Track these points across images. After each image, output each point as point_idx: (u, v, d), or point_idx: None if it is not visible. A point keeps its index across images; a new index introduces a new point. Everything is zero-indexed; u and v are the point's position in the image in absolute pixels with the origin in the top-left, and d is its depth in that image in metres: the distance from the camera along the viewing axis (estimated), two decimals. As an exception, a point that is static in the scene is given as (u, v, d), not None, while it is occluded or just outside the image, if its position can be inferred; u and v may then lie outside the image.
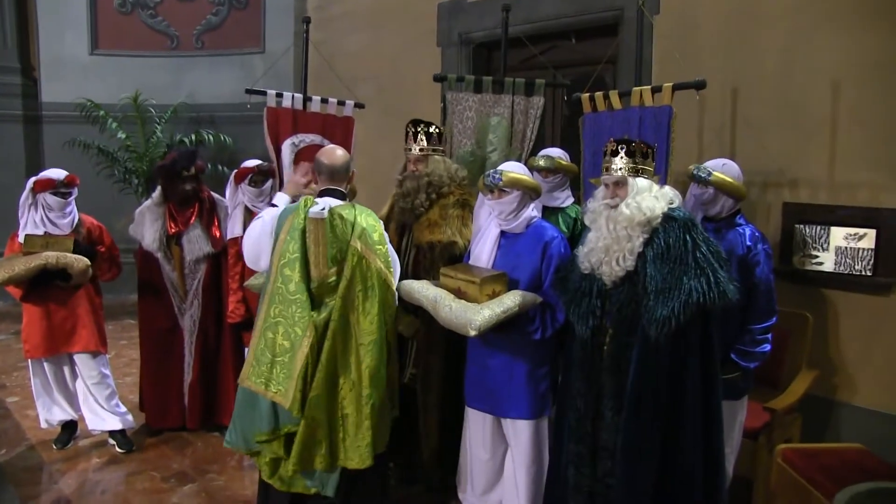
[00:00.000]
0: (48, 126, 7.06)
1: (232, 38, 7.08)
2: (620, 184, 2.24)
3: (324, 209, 2.42)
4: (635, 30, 3.34)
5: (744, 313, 2.60)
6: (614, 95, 3.25)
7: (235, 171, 3.63)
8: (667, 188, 2.27)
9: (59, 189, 3.38)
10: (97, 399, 3.52)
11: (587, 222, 2.34)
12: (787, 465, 2.59)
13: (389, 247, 2.55)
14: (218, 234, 3.65)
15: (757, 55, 3.48)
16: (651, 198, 2.19)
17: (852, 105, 3.18)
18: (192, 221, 3.60)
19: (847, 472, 2.44)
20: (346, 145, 3.68)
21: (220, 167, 6.56)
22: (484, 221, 2.72)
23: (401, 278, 2.63)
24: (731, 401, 2.61)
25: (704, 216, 2.76)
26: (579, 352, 2.32)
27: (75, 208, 3.49)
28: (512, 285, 2.52)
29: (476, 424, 2.72)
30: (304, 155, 3.77)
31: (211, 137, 6.76)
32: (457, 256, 2.85)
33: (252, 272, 3.15)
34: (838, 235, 3.21)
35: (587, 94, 3.36)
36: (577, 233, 3.13)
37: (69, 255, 3.30)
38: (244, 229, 3.12)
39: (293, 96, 3.83)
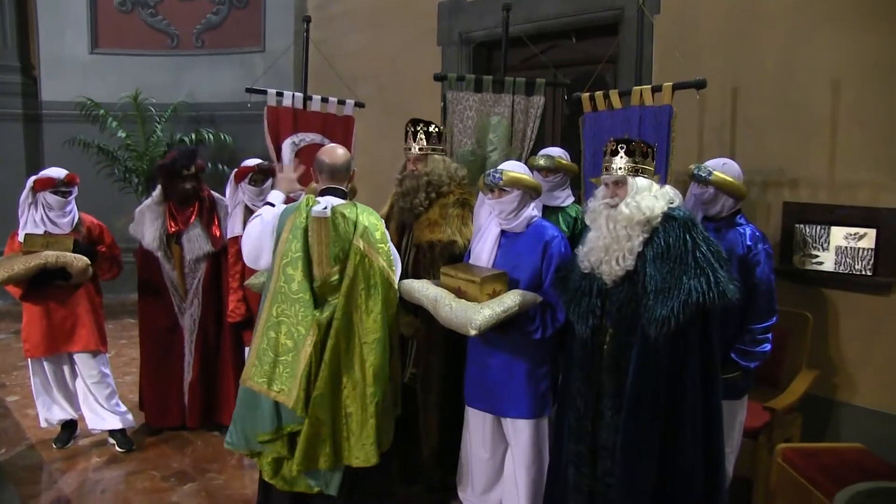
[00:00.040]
0: (48, 125, 7.06)
1: (232, 37, 7.08)
2: (620, 183, 2.24)
3: (326, 208, 2.42)
4: (636, 29, 3.34)
5: (744, 313, 2.60)
6: (614, 95, 3.25)
7: (235, 170, 3.63)
8: (667, 187, 2.27)
9: (60, 188, 3.37)
10: (97, 398, 3.52)
11: (587, 221, 2.34)
12: (787, 465, 2.60)
13: (391, 245, 2.55)
14: (218, 234, 3.65)
15: (757, 55, 3.48)
16: (651, 197, 2.19)
17: (852, 105, 3.18)
18: (192, 220, 3.60)
19: (847, 472, 2.44)
20: (347, 144, 3.68)
21: (220, 166, 6.56)
22: (484, 221, 2.72)
23: (401, 277, 2.63)
24: (732, 400, 2.61)
25: (705, 216, 2.75)
26: (579, 351, 2.32)
27: (75, 207, 3.49)
28: (512, 285, 2.52)
29: (476, 424, 2.72)
30: (305, 154, 3.77)
31: (211, 136, 6.76)
32: (457, 256, 2.84)
33: (252, 271, 3.15)
34: (838, 235, 3.21)
35: (587, 94, 3.36)
36: (577, 232, 3.13)
37: (68, 254, 3.29)
38: (244, 228, 3.12)
39: (293, 95, 3.83)
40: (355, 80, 4.77)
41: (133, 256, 3.72)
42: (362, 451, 2.41)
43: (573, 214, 3.28)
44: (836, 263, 3.22)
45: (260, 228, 2.56)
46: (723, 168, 2.71)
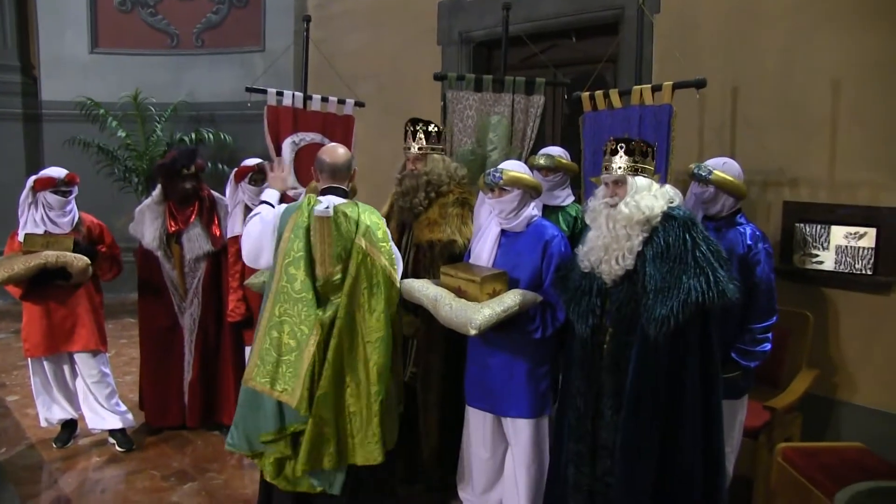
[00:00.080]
0: (48, 124, 7.06)
1: (232, 37, 7.08)
2: (620, 183, 2.24)
3: (328, 207, 2.42)
4: (635, 29, 3.34)
5: (744, 312, 2.60)
6: (614, 94, 3.25)
7: (235, 169, 3.63)
8: (667, 187, 2.27)
9: (60, 188, 3.37)
10: (97, 398, 3.52)
11: (587, 221, 2.35)
12: (787, 464, 2.60)
13: (392, 244, 2.56)
14: (218, 233, 3.65)
15: (757, 54, 3.48)
16: (650, 196, 2.19)
17: (852, 104, 3.18)
18: (192, 220, 3.60)
19: (847, 471, 2.44)
20: (347, 144, 3.68)
21: (220, 166, 6.56)
22: (484, 220, 2.72)
23: (401, 277, 2.63)
24: (732, 400, 2.61)
25: (705, 215, 2.75)
26: (579, 350, 2.32)
27: (75, 207, 3.49)
28: (512, 284, 2.51)
29: (476, 423, 2.72)
30: (305, 153, 3.77)
31: (211, 136, 6.76)
32: (456, 255, 2.84)
33: (252, 271, 3.15)
34: (838, 234, 3.21)
35: (587, 93, 3.36)
36: (577, 231, 3.13)
37: (69, 253, 3.29)
38: (244, 228, 3.13)
39: (293, 95, 3.83)
40: (355, 79, 4.77)
41: (133, 256, 3.72)
42: (367, 450, 2.41)
43: (573, 214, 3.27)
44: (836, 263, 3.22)
45: (260, 228, 2.56)
46: (723, 167, 2.71)
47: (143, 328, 3.76)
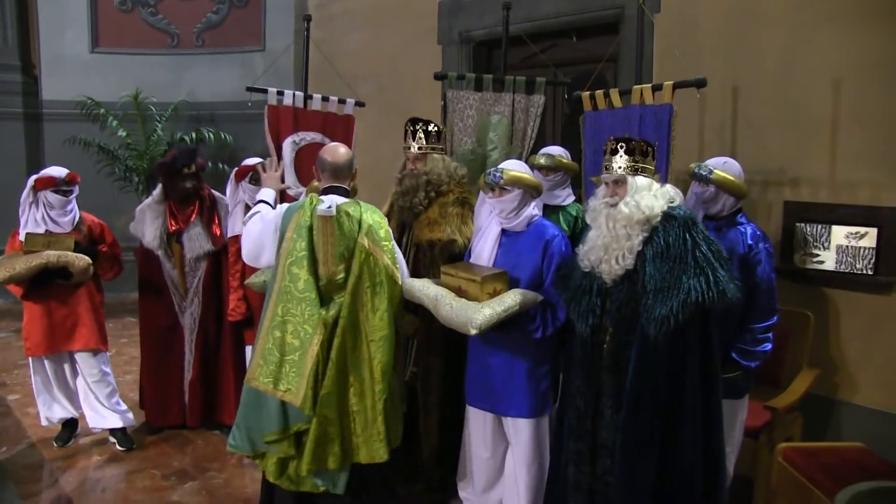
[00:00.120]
0: (49, 124, 7.07)
1: (232, 36, 7.08)
2: (620, 182, 2.24)
3: (331, 207, 2.43)
4: (636, 28, 3.33)
5: (745, 312, 2.60)
6: (615, 94, 3.25)
7: (236, 169, 3.63)
8: (668, 186, 2.26)
9: (61, 187, 3.38)
10: (98, 397, 3.52)
11: (588, 220, 2.35)
12: (787, 464, 2.59)
13: (395, 243, 2.56)
14: (218, 232, 3.65)
15: (757, 54, 3.48)
16: (650, 196, 2.18)
17: (853, 104, 3.18)
18: (192, 219, 3.60)
19: (848, 471, 2.44)
20: (347, 143, 3.67)
21: (220, 165, 6.56)
22: (485, 220, 2.72)
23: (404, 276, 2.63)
24: (732, 400, 2.61)
25: (706, 215, 2.75)
26: (579, 350, 2.32)
27: (76, 206, 3.50)
28: (513, 284, 2.51)
29: (477, 423, 2.72)
30: (305, 153, 3.77)
31: (211, 135, 6.76)
32: (456, 254, 2.84)
33: (253, 270, 3.15)
34: (839, 234, 3.21)
35: (588, 93, 3.36)
36: (577, 231, 3.13)
37: (70, 253, 3.30)
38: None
39: (294, 94, 3.82)
40: (355, 79, 4.77)
41: (133, 255, 3.72)
42: (372, 448, 2.41)
43: (574, 213, 3.27)
44: (837, 262, 3.22)
45: (260, 227, 2.56)
46: (723, 167, 2.70)
47: (144, 327, 3.76)
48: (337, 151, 2.58)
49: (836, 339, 3.25)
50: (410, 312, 2.78)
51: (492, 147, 3.53)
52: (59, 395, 3.57)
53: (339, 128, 3.92)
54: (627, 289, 2.19)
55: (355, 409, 2.42)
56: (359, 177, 2.72)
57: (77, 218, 3.48)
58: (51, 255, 3.25)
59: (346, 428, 2.42)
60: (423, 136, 2.95)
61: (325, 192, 2.54)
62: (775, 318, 2.66)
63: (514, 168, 2.61)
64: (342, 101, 3.98)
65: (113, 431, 3.59)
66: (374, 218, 2.50)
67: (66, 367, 3.58)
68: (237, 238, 3.46)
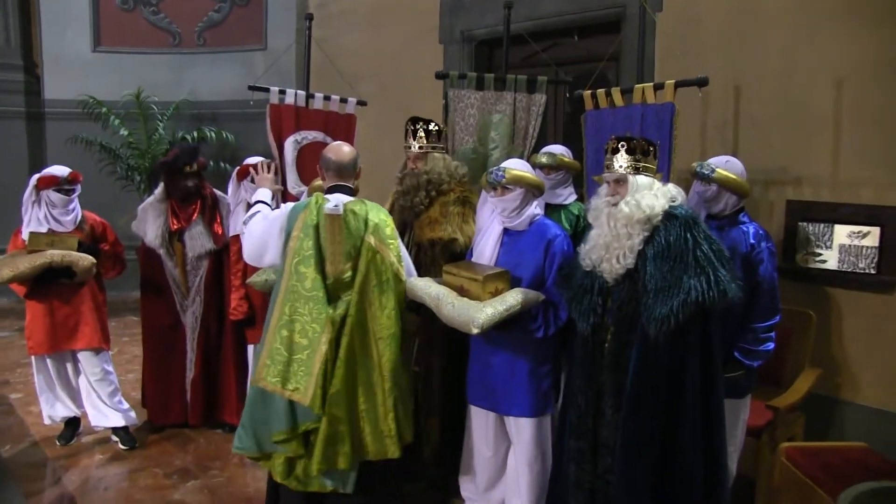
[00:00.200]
0: (51, 123, 7.08)
1: (234, 35, 7.09)
2: (621, 181, 2.24)
3: (337, 206, 2.43)
4: (637, 27, 3.33)
5: (747, 312, 2.59)
6: (616, 92, 3.24)
7: (237, 168, 3.63)
8: (669, 186, 2.26)
9: (63, 186, 3.39)
10: (100, 396, 3.53)
11: (590, 219, 2.35)
12: (790, 464, 2.59)
13: (400, 241, 2.57)
14: (220, 231, 3.65)
15: (760, 53, 3.47)
16: (651, 195, 2.18)
17: (856, 103, 3.17)
18: (194, 218, 3.61)
19: (850, 471, 2.44)
20: (349, 143, 3.68)
21: (222, 164, 6.57)
22: (487, 219, 2.72)
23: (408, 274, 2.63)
24: (735, 399, 2.61)
25: (708, 214, 2.75)
26: (580, 349, 2.32)
27: (78, 205, 3.50)
28: (515, 283, 2.51)
29: (479, 422, 2.72)
30: (307, 152, 3.77)
31: (213, 134, 6.77)
32: (458, 253, 2.84)
33: (254, 269, 3.15)
34: (842, 233, 3.20)
35: (589, 91, 3.35)
36: (579, 230, 3.12)
37: (74, 253, 3.31)
38: (246, 226, 3.13)
39: (296, 93, 3.82)
40: (357, 78, 4.77)
41: (135, 254, 3.73)
42: (382, 445, 2.42)
43: (575, 212, 3.27)
44: (839, 262, 3.21)
45: (263, 226, 2.56)
46: (725, 165, 2.70)
47: (146, 326, 3.77)
48: (341, 150, 2.59)
49: (839, 338, 3.24)
50: (412, 311, 2.79)
51: (493, 146, 3.53)
52: (62, 393, 3.58)
53: (341, 127, 3.92)
54: (628, 288, 2.19)
55: (364, 408, 2.42)
56: (360, 176, 2.72)
57: (79, 217, 3.49)
58: (55, 255, 3.26)
59: (356, 426, 2.42)
60: (423, 135, 2.95)
61: (330, 190, 2.54)
62: (777, 317, 2.65)
63: (517, 167, 2.61)
64: (344, 101, 3.98)
65: (115, 430, 3.60)
66: (379, 216, 2.50)
67: (69, 366, 3.59)
68: (239, 237, 3.46)
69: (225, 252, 3.66)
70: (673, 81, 3.02)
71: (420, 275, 2.76)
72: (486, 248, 2.65)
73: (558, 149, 3.34)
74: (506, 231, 2.64)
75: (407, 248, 2.96)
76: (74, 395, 3.61)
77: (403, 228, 3.01)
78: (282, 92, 3.80)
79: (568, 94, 3.85)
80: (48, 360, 3.52)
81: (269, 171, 2.96)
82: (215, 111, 6.97)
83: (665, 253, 2.12)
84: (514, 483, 2.69)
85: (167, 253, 3.60)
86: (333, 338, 2.37)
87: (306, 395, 2.35)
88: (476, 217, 2.86)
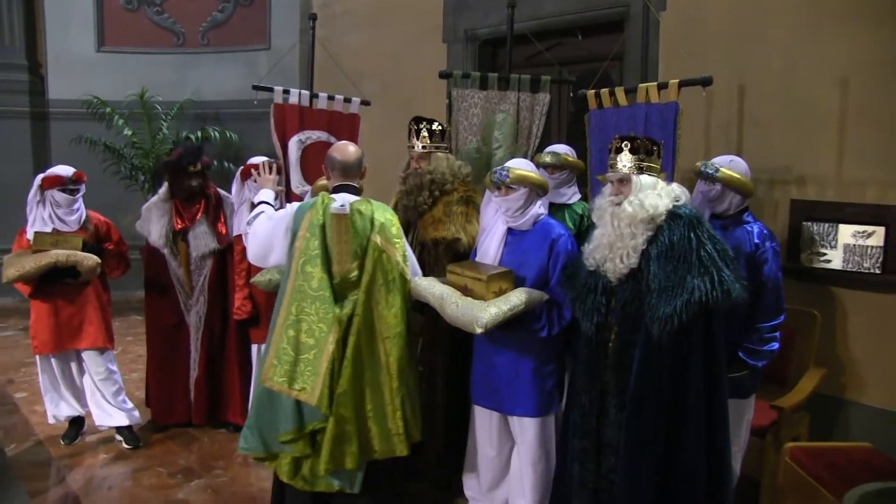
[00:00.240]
0: (55, 123, 7.10)
1: (237, 35, 7.09)
2: (624, 181, 2.23)
3: (344, 205, 2.43)
4: (641, 26, 3.33)
5: (751, 311, 2.58)
6: (620, 92, 3.24)
7: (241, 167, 3.64)
8: (673, 185, 2.26)
9: (67, 186, 3.39)
10: (104, 395, 3.54)
11: (594, 219, 2.34)
12: (794, 464, 2.58)
13: (405, 241, 2.57)
14: (224, 231, 3.66)
15: (764, 52, 3.46)
16: (655, 195, 2.18)
17: (860, 102, 3.16)
18: (198, 217, 3.61)
19: (855, 471, 2.43)
20: (353, 142, 3.68)
21: (225, 164, 6.57)
22: (491, 218, 2.72)
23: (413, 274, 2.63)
24: (739, 399, 2.60)
25: (712, 213, 2.74)
26: (584, 348, 2.32)
27: (83, 205, 3.51)
28: (518, 283, 2.51)
29: (482, 422, 2.72)
30: (311, 152, 3.77)
31: (217, 134, 6.78)
32: (461, 253, 2.84)
33: (258, 269, 3.16)
34: (846, 233, 3.19)
35: (593, 91, 3.35)
36: (583, 229, 3.12)
37: (79, 252, 3.31)
38: (249, 226, 3.13)
39: (300, 93, 3.83)
40: (360, 77, 4.77)
41: (139, 254, 3.73)
42: (391, 443, 2.42)
43: (579, 211, 3.27)
44: (844, 261, 3.20)
45: (269, 227, 2.56)
46: (730, 165, 2.69)
47: (150, 326, 3.78)
48: (346, 150, 2.59)
49: (843, 338, 3.23)
50: (415, 311, 2.79)
51: (497, 146, 3.53)
52: (66, 393, 3.58)
53: (345, 127, 3.93)
54: (632, 287, 2.19)
55: (371, 407, 2.42)
56: (365, 175, 2.72)
57: (84, 216, 3.50)
58: (60, 255, 3.26)
59: (363, 426, 2.42)
60: (427, 134, 2.95)
61: (336, 190, 2.55)
62: (782, 317, 2.65)
63: (520, 167, 2.61)
64: (348, 100, 3.99)
65: (119, 429, 3.61)
66: (385, 216, 2.51)
67: (73, 366, 3.60)
68: (242, 236, 3.46)
69: (229, 251, 3.66)
70: (677, 81, 3.01)
71: (424, 275, 2.76)
72: (489, 248, 2.65)
73: (562, 148, 3.34)
74: (510, 230, 2.64)
75: (410, 247, 2.97)
76: (79, 395, 3.62)
77: (407, 228, 3.01)
78: (286, 92, 3.81)
79: (572, 94, 3.85)
80: (53, 360, 3.53)
81: (270, 172, 2.97)
82: (219, 111, 6.98)
83: (669, 252, 2.12)
84: (517, 483, 2.69)
85: (171, 252, 3.61)
86: (340, 337, 2.37)
87: (313, 394, 2.35)
88: (480, 216, 2.86)
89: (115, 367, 3.62)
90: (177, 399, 3.74)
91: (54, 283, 3.36)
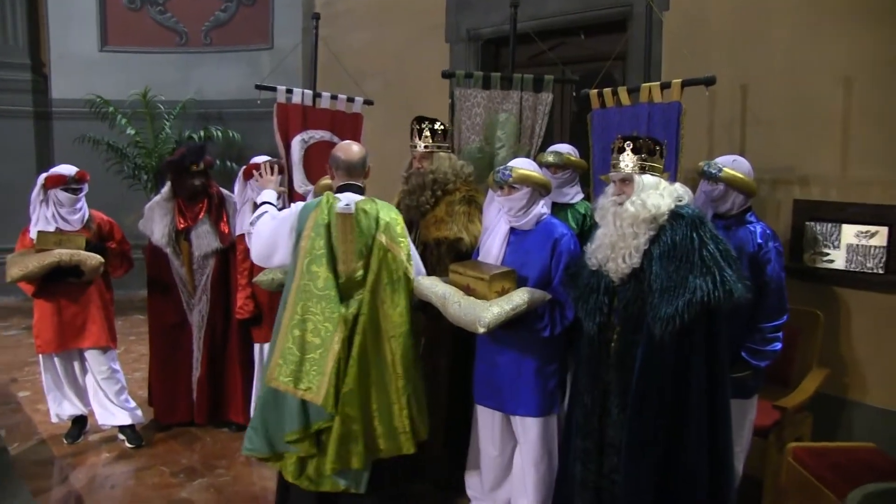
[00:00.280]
0: (58, 122, 7.11)
1: (240, 35, 7.10)
2: (627, 181, 2.23)
3: (349, 205, 2.43)
4: (644, 26, 3.32)
5: (754, 311, 2.58)
6: (623, 91, 3.24)
7: (244, 167, 3.64)
8: (676, 185, 2.26)
9: (70, 185, 3.40)
10: (107, 394, 3.54)
11: (597, 218, 2.34)
12: (797, 464, 2.58)
13: (410, 240, 2.58)
14: (226, 230, 3.66)
15: (767, 51, 3.45)
16: (657, 195, 2.18)
17: (863, 101, 3.15)
18: (200, 217, 3.62)
19: (858, 472, 2.43)
20: (356, 142, 3.68)
21: (228, 163, 6.58)
22: (493, 218, 2.72)
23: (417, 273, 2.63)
24: (742, 399, 2.60)
25: (715, 213, 2.74)
26: (587, 348, 2.32)
27: (86, 204, 3.52)
28: (521, 282, 2.51)
29: (485, 421, 2.72)
30: (314, 151, 3.77)
31: (219, 133, 6.79)
32: (463, 253, 2.84)
33: (261, 268, 3.16)
34: (849, 233, 3.19)
35: (596, 90, 3.35)
36: (586, 229, 3.12)
37: (82, 252, 3.32)
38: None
39: (303, 92, 3.83)
40: (362, 76, 4.77)
41: (142, 253, 3.74)
42: (398, 442, 2.42)
43: (582, 211, 3.27)
44: (847, 261, 3.19)
45: (273, 227, 2.56)
46: (733, 165, 2.69)
47: (152, 325, 3.78)
48: (350, 149, 2.59)
49: (847, 338, 3.23)
50: (418, 310, 2.79)
51: (500, 145, 3.53)
52: (69, 392, 3.59)
53: (348, 126, 3.93)
54: (634, 287, 2.19)
55: (377, 407, 2.42)
56: (369, 175, 2.72)
57: (87, 216, 3.51)
58: (63, 254, 3.27)
59: (369, 425, 2.42)
60: (429, 134, 2.95)
61: (341, 189, 2.55)
62: (785, 317, 2.64)
63: (523, 166, 2.61)
64: (351, 100, 3.99)
65: (122, 428, 3.61)
66: (390, 215, 2.51)
67: (76, 365, 3.60)
68: (245, 236, 3.47)
69: (231, 251, 3.67)
70: (679, 80, 3.01)
71: (426, 274, 2.76)
72: (492, 248, 2.65)
73: (565, 148, 3.33)
74: (512, 230, 2.64)
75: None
76: (81, 394, 3.63)
77: (409, 228, 3.00)
78: (289, 91, 3.81)
79: (574, 93, 3.85)
80: (56, 359, 3.53)
81: (272, 173, 2.97)
82: (222, 110, 6.99)
83: (671, 252, 2.11)
84: (520, 482, 2.69)
85: (174, 252, 3.61)
86: (346, 337, 2.38)
87: (319, 394, 2.35)
88: (482, 216, 2.86)
89: (117, 367, 3.62)
90: (179, 398, 3.75)
91: (57, 282, 3.36)
